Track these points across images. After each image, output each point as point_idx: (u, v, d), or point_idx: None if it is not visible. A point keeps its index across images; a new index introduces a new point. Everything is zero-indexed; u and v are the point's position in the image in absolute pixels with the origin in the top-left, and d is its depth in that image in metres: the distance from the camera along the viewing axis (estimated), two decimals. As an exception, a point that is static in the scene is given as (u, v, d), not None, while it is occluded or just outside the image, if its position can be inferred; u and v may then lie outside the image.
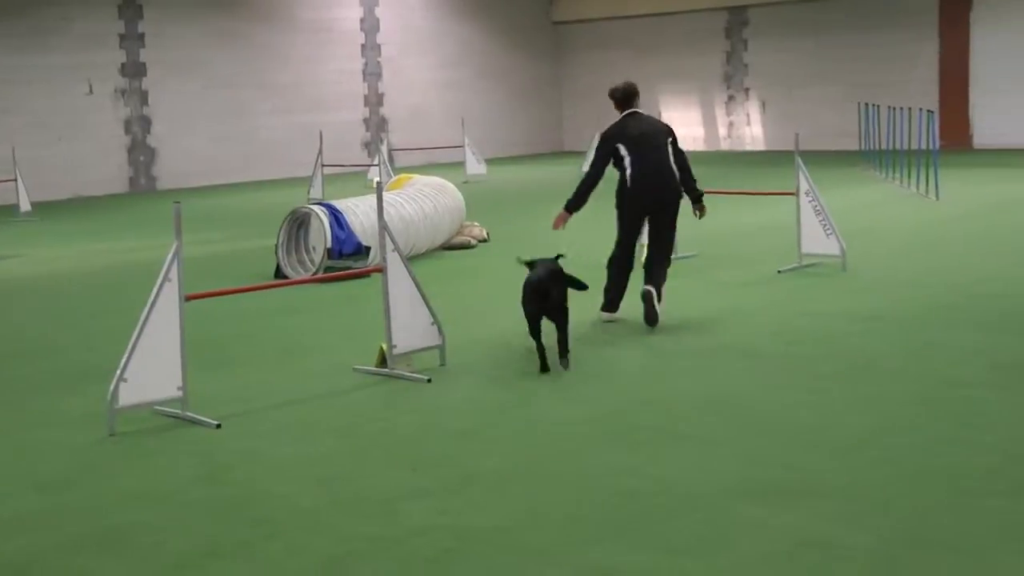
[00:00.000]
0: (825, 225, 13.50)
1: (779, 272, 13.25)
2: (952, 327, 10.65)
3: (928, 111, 20.95)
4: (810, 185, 13.56)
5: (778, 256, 13.64)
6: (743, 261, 12.98)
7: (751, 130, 36.16)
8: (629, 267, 11.63)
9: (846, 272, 13.25)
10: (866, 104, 26.24)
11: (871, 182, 23.14)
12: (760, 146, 35.49)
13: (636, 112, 11.80)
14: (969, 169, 25.09)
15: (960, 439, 7.34)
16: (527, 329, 9.52)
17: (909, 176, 21.42)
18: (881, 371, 9.21)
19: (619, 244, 11.62)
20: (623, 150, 11.39)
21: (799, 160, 13.71)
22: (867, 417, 7.91)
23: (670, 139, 11.69)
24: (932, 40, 32.83)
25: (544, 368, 9.38)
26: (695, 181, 11.75)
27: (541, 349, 9.46)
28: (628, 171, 11.34)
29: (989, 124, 32.06)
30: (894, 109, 22.92)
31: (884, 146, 24.15)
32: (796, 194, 13.60)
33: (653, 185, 11.44)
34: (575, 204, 11.44)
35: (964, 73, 32.47)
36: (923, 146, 20.58)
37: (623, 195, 11.45)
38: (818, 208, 13.53)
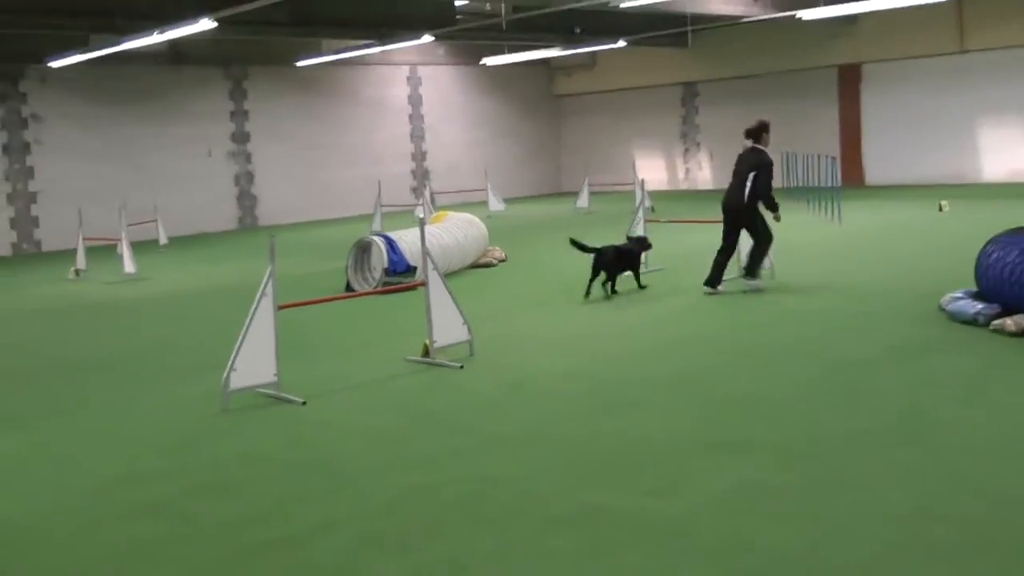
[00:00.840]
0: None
1: (725, 281, 13.17)
2: (856, 317, 10.61)
3: (832, 157, 20.91)
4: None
5: (728, 269, 13.56)
6: (701, 273, 12.88)
7: (703, 174, 36.14)
8: (724, 256, 12.59)
9: (775, 279, 13.15)
10: (787, 153, 26.20)
11: (792, 212, 23.02)
12: (710, 186, 35.39)
13: (753, 147, 12.42)
14: (864, 200, 24.99)
15: (862, 403, 7.30)
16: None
17: (820, 207, 21.34)
18: (803, 352, 9.17)
19: (722, 238, 12.58)
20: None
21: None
22: (791, 387, 7.86)
23: (752, 171, 12.14)
24: (833, 105, 32.84)
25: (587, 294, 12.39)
26: (770, 200, 12.26)
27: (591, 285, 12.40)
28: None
29: (877, 167, 32.07)
30: (808, 156, 22.85)
31: (802, 184, 24.07)
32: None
33: (725, 199, 12.50)
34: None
35: (858, 129, 32.46)
36: (830, 184, 20.55)
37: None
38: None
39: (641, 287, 13.18)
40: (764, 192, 12.21)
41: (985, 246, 10.22)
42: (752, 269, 12.63)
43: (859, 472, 5.86)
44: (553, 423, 7.28)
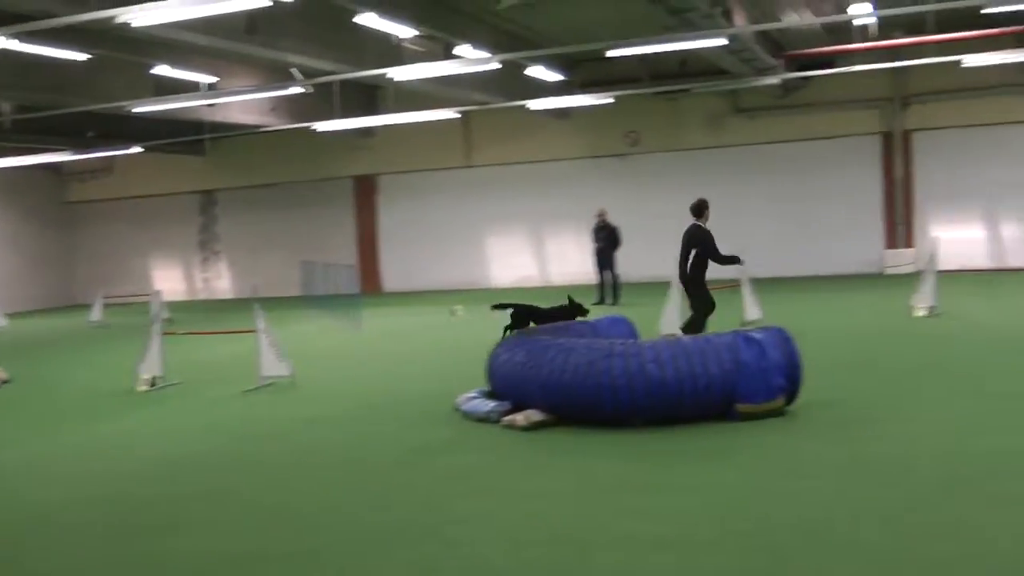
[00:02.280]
0: (278, 353, 13.48)
1: (245, 392, 13.07)
2: (376, 421, 10.87)
3: (350, 266, 21.53)
4: (266, 324, 13.51)
5: (247, 378, 13.46)
6: (220, 383, 12.70)
7: (222, 283, 35.85)
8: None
9: (296, 387, 13.23)
10: (306, 261, 26.64)
11: (312, 319, 23.35)
12: (229, 295, 35.16)
13: (695, 223, 14.10)
14: (382, 307, 25.87)
15: (390, 502, 7.47)
16: None
17: (339, 313, 21.81)
18: (327, 456, 9.28)
19: None
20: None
21: (257, 305, 13.72)
22: (320, 493, 7.92)
23: (693, 247, 13.89)
24: (351, 215, 33.95)
25: None
26: (723, 260, 14.03)
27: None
28: None
29: (394, 274, 33.41)
30: (327, 265, 23.38)
31: (320, 292, 24.53)
32: (256, 331, 13.51)
33: (679, 271, 14.23)
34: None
35: (374, 238, 33.71)
36: (348, 291, 21.09)
37: None
38: (272, 341, 13.51)
39: None
40: (714, 259, 13.93)
41: (495, 347, 10.95)
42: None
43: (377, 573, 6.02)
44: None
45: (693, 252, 13.99)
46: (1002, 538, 6.04)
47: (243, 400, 12.73)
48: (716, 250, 14.01)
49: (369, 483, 8.22)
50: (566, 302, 12.61)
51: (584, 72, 28.61)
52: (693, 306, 14.18)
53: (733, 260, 14.26)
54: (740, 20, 20.47)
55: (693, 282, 14.07)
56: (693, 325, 14.04)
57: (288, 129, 26.89)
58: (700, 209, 14.33)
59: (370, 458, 9.13)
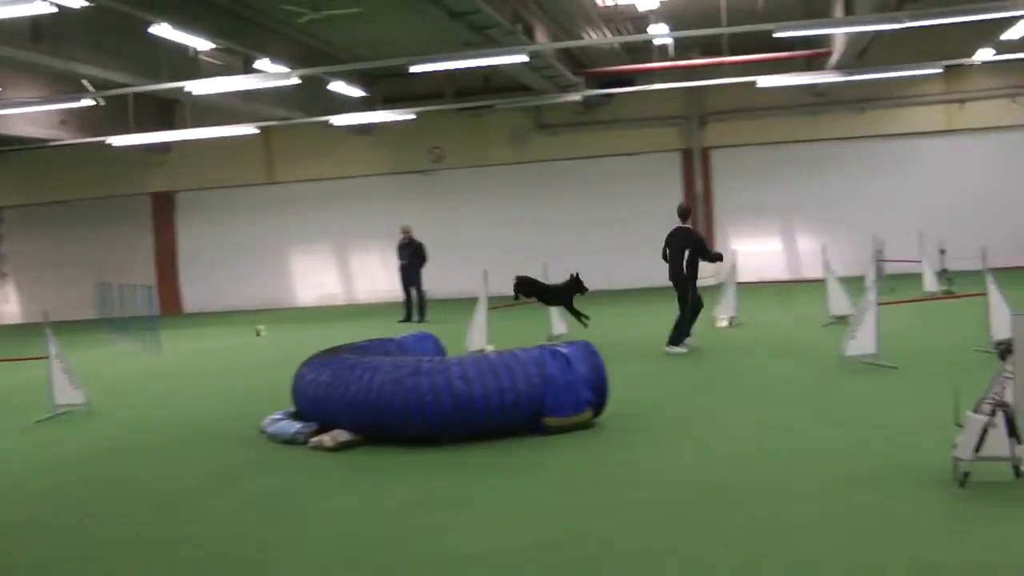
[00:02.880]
0: (72, 380, 12.93)
1: (37, 422, 12.50)
2: (182, 448, 10.53)
3: (148, 286, 20.93)
4: (58, 349, 12.95)
5: (38, 407, 12.88)
6: (8, 413, 12.09)
7: (9, 307, 34.29)
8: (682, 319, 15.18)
9: (93, 416, 12.72)
10: (101, 282, 25.73)
11: (109, 343, 22.57)
12: (18, 320, 33.68)
13: (681, 226, 15.05)
14: (183, 328, 25.30)
15: (184, 533, 7.28)
16: None
17: (137, 336, 21.14)
18: (125, 486, 8.96)
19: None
20: (665, 246, 15.10)
21: (48, 330, 13.12)
22: (116, 530, 7.64)
23: (687, 247, 14.79)
24: (149, 234, 33.06)
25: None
26: (712, 257, 15.40)
27: None
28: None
29: (195, 294, 32.68)
30: (124, 286, 22.65)
31: (117, 314, 23.70)
32: (48, 357, 12.93)
33: (670, 275, 15.12)
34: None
35: (174, 256, 32.92)
36: (147, 313, 20.49)
37: None
38: (66, 367, 12.95)
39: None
40: (705, 258, 14.91)
41: (300, 368, 10.80)
42: (675, 338, 14.96)
43: None
44: None
45: (687, 252, 14.85)
46: (798, 537, 6.31)
47: (35, 430, 12.16)
48: (708, 250, 15.34)
49: (170, 513, 7.95)
50: (569, 278, 15.59)
51: (386, 88, 28.62)
52: (684, 305, 15.08)
53: (720, 257, 15.77)
54: (542, 37, 20.86)
55: (689, 281, 14.93)
56: (680, 326, 15.07)
57: (80, 143, 25.98)
58: (687, 212, 15.50)
59: (171, 487, 8.84)
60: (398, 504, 7.73)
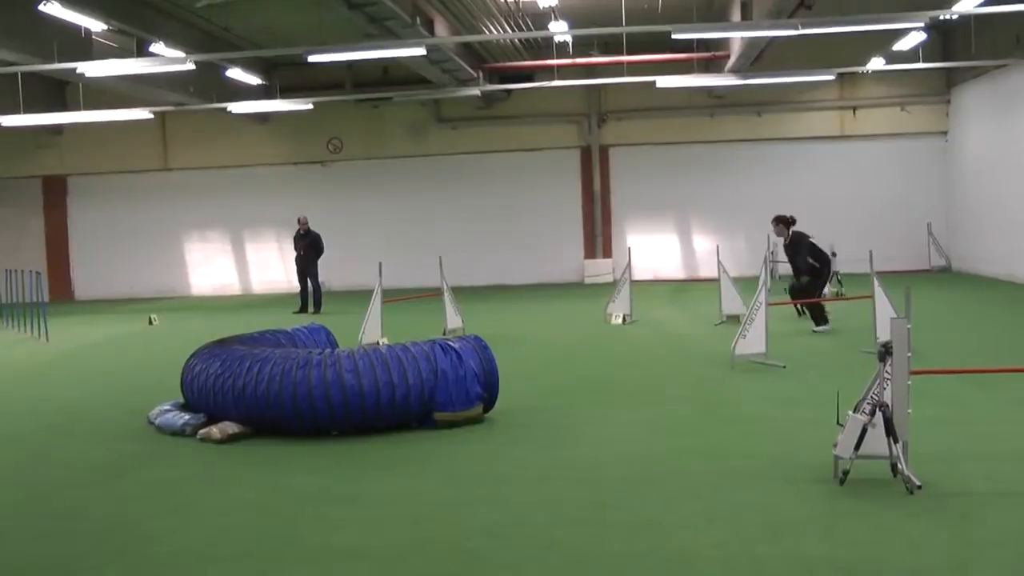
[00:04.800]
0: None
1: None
2: (63, 438, 10.28)
3: (37, 272, 20.39)
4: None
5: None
6: None
7: None
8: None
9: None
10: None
11: (-7, 329, 22.00)
12: None
13: (796, 231, 16.26)
14: (73, 316, 24.73)
15: (67, 528, 7.11)
16: None
17: (24, 324, 20.60)
18: (11, 481, 8.71)
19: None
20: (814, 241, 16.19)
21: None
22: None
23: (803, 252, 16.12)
24: (38, 216, 32.23)
25: None
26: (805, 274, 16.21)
27: None
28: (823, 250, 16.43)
29: (86, 281, 31.99)
30: (11, 271, 22.04)
31: (3, 300, 23.07)
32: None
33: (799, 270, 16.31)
34: (820, 286, 16.49)
35: (65, 242, 32.17)
36: (34, 299, 19.96)
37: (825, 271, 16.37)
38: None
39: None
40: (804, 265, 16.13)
41: (189, 358, 10.64)
42: (819, 319, 15.96)
43: None
44: None
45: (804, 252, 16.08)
46: (679, 532, 6.41)
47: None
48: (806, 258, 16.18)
49: (53, 506, 7.75)
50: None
51: (284, 76, 28.30)
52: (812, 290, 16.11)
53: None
54: (442, 31, 20.82)
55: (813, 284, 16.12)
56: (815, 309, 16.10)
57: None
58: (789, 222, 16.42)
59: (50, 480, 8.61)
60: (285, 498, 7.65)
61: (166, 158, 31.44)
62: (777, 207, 28.47)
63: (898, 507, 6.73)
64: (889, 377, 7.08)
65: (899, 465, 7.03)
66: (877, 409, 7.00)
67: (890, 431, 6.97)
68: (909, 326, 7.06)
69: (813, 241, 16.14)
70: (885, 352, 7.08)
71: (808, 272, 15.91)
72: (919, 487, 6.94)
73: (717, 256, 18.43)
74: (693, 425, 9.70)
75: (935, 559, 5.83)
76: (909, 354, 7.05)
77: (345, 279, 28.28)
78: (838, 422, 7.32)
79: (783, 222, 16.34)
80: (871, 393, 7.15)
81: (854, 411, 7.17)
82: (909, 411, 7.11)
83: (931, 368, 10.70)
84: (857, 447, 7.03)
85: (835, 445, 7.24)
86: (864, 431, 6.99)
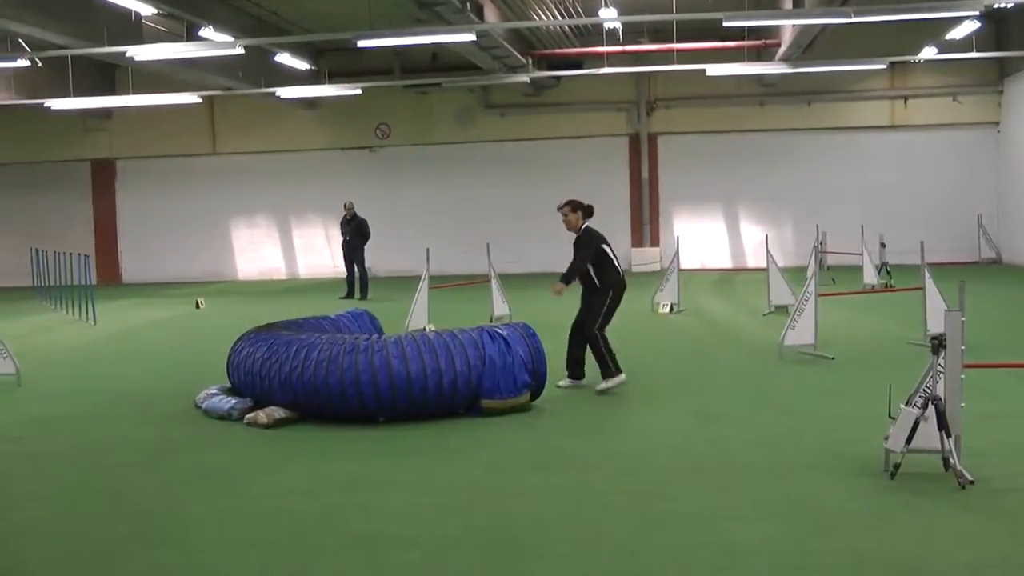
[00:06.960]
0: (2, 349, 12.68)
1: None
2: (111, 423, 10.38)
3: (85, 255, 20.62)
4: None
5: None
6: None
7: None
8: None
9: (23, 387, 12.50)
10: (37, 250, 25.31)
11: (42, 312, 22.25)
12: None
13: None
14: (121, 299, 24.98)
15: (121, 507, 7.19)
16: None
17: (72, 306, 20.84)
18: (54, 461, 8.80)
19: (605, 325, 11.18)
20: (609, 251, 11.36)
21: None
22: (30, 492, 7.52)
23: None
24: (87, 201, 32.55)
25: None
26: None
27: None
28: (617, 267, 11.39)
29: (134, 264, 32.30)
30: (60, 254, 22.31)
31: (52, 283, 23.36)
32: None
33: None
34: (569, 279, 11.28)
35: (113, 226, 32.47)
36: (83, 282, 20.19)
37: (618, 287, 11.23)
38: (-4, 335, 12.73)
39: None
40: None
41: (236, 343, 10.71)
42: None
43: (113, 579, 5.75)
44: None
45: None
46: (728, 524, 6.37)
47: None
48: None
49: (100, 488, 7.84)
50: None
51: (333, 61, 28.40)
52: None
53: None
54: (491, 16, 20.79)
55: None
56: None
57: (16, 106, 25.48)
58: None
59: (102, 461, 8.72)
60: (331, 483, 7.68)
61: (214, 143, 31.66)
62: (826, 197, 28.55)
63: (950, 502, 6.66)
64: (942, 370, 7.01)
65: (951, 459, 6.96)
66: (930, 402, 6.93)
67: (942, 425, 6.89)
68: (963, 319, 6.99)
69: (606, 248, 11.39)
70: (938, 345, 7.01)
71: (582, 278, 11.36)
72: (971, 482, 6.86)
73: (766, 246, 18.30)
74: (742, 416, 9.65)
75: (987, 555, 5.75)
76: (963, 347, 6.99)
77: (391, 265, 28.36)
78: (890, 415, 7.25)
79: (577, 208, 11.80)
80: (923, 386, 7.08)
81: (906, 404, 7.10)
82: (962, 405, 7.05)
83: (984, 362, 10.57)
84: (909, 440, 6.96)
85: (886, 438, 7.18)
86: (916, 424, 6.92)
